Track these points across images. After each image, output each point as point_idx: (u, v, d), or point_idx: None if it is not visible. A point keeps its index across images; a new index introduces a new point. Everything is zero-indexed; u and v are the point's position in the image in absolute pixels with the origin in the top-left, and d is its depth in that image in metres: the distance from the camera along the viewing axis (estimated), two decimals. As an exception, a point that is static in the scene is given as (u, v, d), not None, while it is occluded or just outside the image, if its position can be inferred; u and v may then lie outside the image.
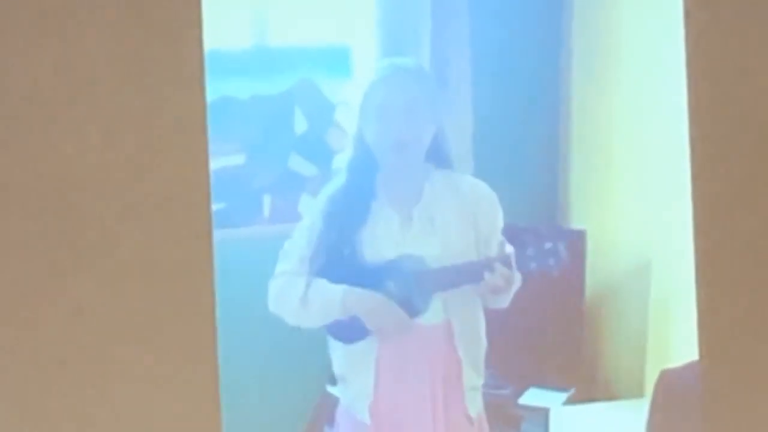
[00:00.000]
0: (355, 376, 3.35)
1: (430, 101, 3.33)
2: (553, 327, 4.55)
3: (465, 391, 3.35)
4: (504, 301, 3.36)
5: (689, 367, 3.81)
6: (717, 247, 2.04)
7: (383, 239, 3.31)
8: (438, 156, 3.37)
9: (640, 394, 4.31)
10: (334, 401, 3.63)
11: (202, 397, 1.99)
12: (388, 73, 3.36)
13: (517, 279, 3.32)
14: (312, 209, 3.43)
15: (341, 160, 3.47)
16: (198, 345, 1.97)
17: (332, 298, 3.27)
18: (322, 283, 3.29)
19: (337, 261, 3.31)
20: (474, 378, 3.36)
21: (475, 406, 3.38)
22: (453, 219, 3.33)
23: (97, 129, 1.91)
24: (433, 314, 3.31)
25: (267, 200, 4.60)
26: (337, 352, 3.38)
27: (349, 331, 3.32)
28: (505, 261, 3.24)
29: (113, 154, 1.91)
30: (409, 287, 3.29)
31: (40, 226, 1.89)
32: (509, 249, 3.31)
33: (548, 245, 3.29)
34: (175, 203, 1.93)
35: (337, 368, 3.40)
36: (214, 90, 4.27)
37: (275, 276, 3.37)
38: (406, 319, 3.27)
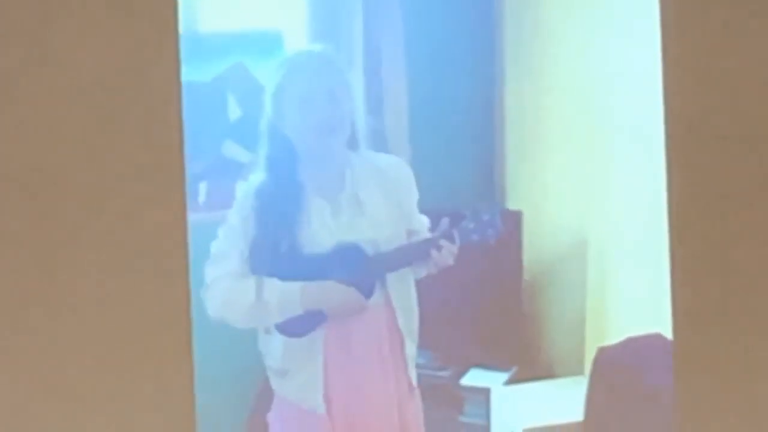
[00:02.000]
0: (301, 369, 3.31)
1: (345, 86, 3.33)
2: (492, 308, 4.57)
3: (408, 362, 3.38)
4: (434, 270, 3.40)
5: (625, 344, 3.85)
6: (691, 230, 2.06)
7: (318, 230, 3.29)
8: (351, 139, 3.36)
9: (580, 372, 4.34)
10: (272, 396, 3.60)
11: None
12: (303, 60, 3.35)
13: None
14: (237, 207, 3.35)
15: (258, 154, 3.41)
16: (169, 330, 1.98)
17: (290, 296, 3.23)
18: (275, 282, 3.25)
19: (277, 258, 3.27)
20: (412, 348, 3.40)
21: (414, 373, 3.43)
22: (379, 199, 3.34)
23: (68, 118, 1.90)
24: (375, 295, 3.33)
25: (202, 187, 4.58)
26: (276, 347, 3.34)
27: (301, 324, 3.30)
28: (449, 237, 3.29)
29: (84, 142, 1.91)
30: (355, 274, 3.29)
31: (11, 219, 1.88)
32: (426, 223, 3.37)
33: (485, 216, 3.33)
34: (150, 188, 1.93)
35: (275, 363, 3.35)
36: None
37: (212, 281, 3.28)
38: (363, 299, 3.28)
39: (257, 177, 3.35)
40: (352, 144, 3.37)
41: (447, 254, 3.29)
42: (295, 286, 3.25)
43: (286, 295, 3.24)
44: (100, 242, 1.92)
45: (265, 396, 4.26)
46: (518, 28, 4.70)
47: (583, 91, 4.30)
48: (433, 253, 3.27)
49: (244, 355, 4.18)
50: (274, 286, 3.24)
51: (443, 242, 3.27)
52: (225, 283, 3.26)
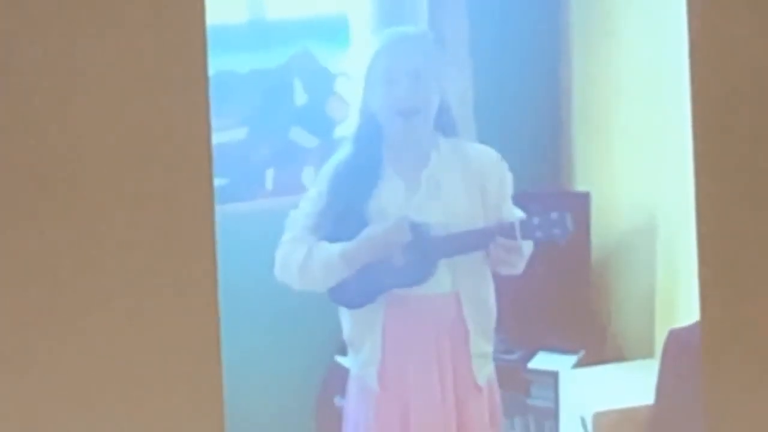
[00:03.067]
0: (363, 342, 3.35)
1: (435, 69, 3.32)
2: (560, 290, 4.55)
3: (472, 359, 3.35)
4: (516, 268, 3.35)
5: (696, 326, 3.81)
6: (719, 212, 2.04)
7: (388, 207, 3.31)
8: (444, 124, 3.36)
9: (649, 355, 4.31)
10: (342, 372, 3.64)
11: (205, 372, 1.99)
12: (393, 40, 3.35)
13: (527, 246, 3.31)
14: (318, 180, 3.43)
15: (346, 130, 3.46)
16: (201, 321, 1.98)
17: (332, 257, 3.27)
18: (323, 245, 3.30)
19: (342, 229, 3.31)
20: (483, 345, 3.36)
21: (484, 373, 3.38)
22: (460, 186, 3.32)
23: (99, 107, 1.90)
24: (441, 284, 3.31)
25: (270, 173, 4.59)
26: (346, 318, 3.39)
27: (353, 295, 3.32)
28: (508, 230, 3.23)
29: (115, 131, 1.91)
30: (413, 253, 3.29)
31: (43, 206, 1.89)
32: (519, 215, 3.31)
33: (554, 215, 3.28)
34: (178, 181, 1.93)
35: (346, 334, 3.41)
36: (213, 65, 4.23)
37: (281, 245, 3.37)
38: (403, 225, 3.26)
39: (342, 152, 3.40)
40: (447, 129, 3.36)
41: (501, 249, 3.23)
42: (336, 248, 3.27)
43: (328, 257, 3.27)
44: (126, 243, 1.93)
45: (334, 378, 4.29)
46: (586, 8, 4.66)
47: (653, 68, 4.25)
48: (491, 247, 3.24)
49: (319, 332, 4.24)
50: (320, 248, 3.28)
51: (498, 237, 3.22)
52: (284, 248, 3.33)
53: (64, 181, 1.90)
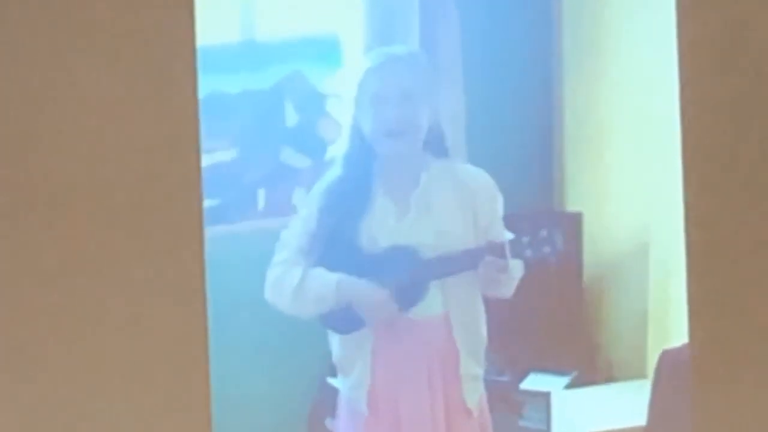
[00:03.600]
0: (353, 365, 3.35)
1: (425, 89, 3.32)
2: (552, 311, 4.54)
3: (463, 381, 3.35)
4: (506, 291, 3.35)
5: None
6: (708, 231, 2.05)
7: (379, 229, 3.31)
8: (435, 145, 3.36)
9: (642, 376, 4.30)
10: (333, 393, 3.63)
11: (194, 393, 1.98)
12: (382, 61, 3.35)
13: (518, 267, 3.30)
14: (309, 200, 3.43)
15: (336, 151, 3.46)
16: (189, 340, 1.97)
17: (327, 287, 3.27)
18: (318, 272, 3.29)
19: (335, 251, 3.31)
20: (473, 367, 3.35)
21: (475, 395, 3.37)
22: (450, 209, 3.32)
23: (89, 127, 1.90)
24: (431, 306, 3.31)
25: (261, 194, 4.59)
26: (335, 341, 3.38)
27: (344, 321, 3.32)
28: (497, 250, 3.23)
29: (105, 151, 1.90)
30: (404, 277, 3.28)
31: (30, 225, 1.88)
32: (509, 236, 3.30)
33: (543, 233, 3.28)
34: (167, 201, 1.92)
35: (336, 358, 3.40)
36: (204, 86, 4.23)
37: (272, 265, 3.36)
38: (395, 311, 3.27)
39: (332, 173, 3.40)
40: (437, 150, 3.35)
41: (491, 269, 3.22)
42: (332, 278, 3.27)
43: (323, 285, 3.26)
44: (115, 263, 1.92)
45: (324, 400, 4.27)
46: (577, 29, 4.67)
47: (643, 89, 4.26)
48: (480, 267, 3.23)
49: (309, 353, 4.23)
50: (315, 276, 3.28)
51: (487, 257, 3.22)
52: (277, 270, 3.32)
53: (53, 200, 1.90)
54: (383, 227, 3.31)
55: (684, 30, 2.05)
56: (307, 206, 3.41)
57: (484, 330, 3.39)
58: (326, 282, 3.28)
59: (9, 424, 1.93)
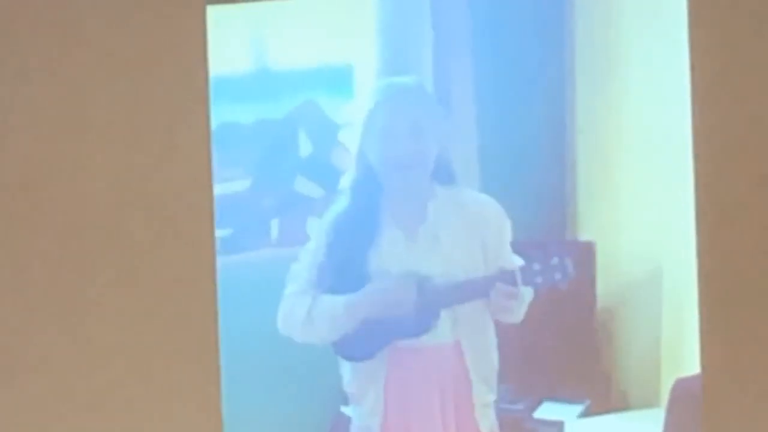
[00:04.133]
0: (365, 395, 3.35)
1: (432, 120, 3.33)
2: (565, 339, 4.53)
3: (475, 409, 3.34)
4: (516, 317, 3.35)
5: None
6: (720, 259, 2.05)
7: (388, 258, 3.31)
8: (442, 174, 3.36)
9: (655, 404, 4.29)
10: (347, 422, 3.62)
11: (206, 423, 1.99)
12: (389, 94, 3.36)
13: (527, 294, 3.31)
14: (317, 232, 3.43)
15: (344, 181, 3.47)
16: (203, 371, 1.98)
17: (336, 309, 3.28)
18: (326, 298, 3.30)
19: (343, 281, 3.32)
20: (485, 395, 3.35)
21: (487, 423, 3.37)
22: (459, 237, 3.32)
23: (103, 158, 1.90)
24: (442, 334, 3.31)
25: (274, 224, 4.59)
26: (346, 370, 3.38)
27: (357, 348, 3.32)
28: (508, 277, 3.24)
29: (119, 183, 1.91)
30: (415, 304, 3.28)
31: (47, 255, 1.89)
32: (519, 262, 3.30)
33: (555, 260, 3.29)
34: (180, 231, 1.93)
35: (347, 387, 3.41)
36: (217, 116, 4.25)
37: (284, 298, 3.38)
38: (407, 299, 3.26)
39: (340, 204, 3.41)
40: (444, 178, 3.36)
41: (501, 296, 3.23)
42: (340, 300, 3.28)
43: (332, 310, 3.27)
44: (129, 293, 1.93)
45: (338, 428, 4.26)
46: (591, 57, 4.67)
47: (658, 119, 4.26)
48: (492, 294, 3.24)
49: (323, 382, 4.23)
50: (324, 300, 3.29)
51: (498, 284, 3.23)
52: (288, 302, 3.33)
53: (68, 227, 1.91)
54: (393, 256, 3.32)
55: (697, 61, 2.06)
56: (315, 237, 3.43)
57: (495, 357, 3.39)
58: (335, 304, 3.30)
59: (23, 425, 1.94)
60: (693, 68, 2.06)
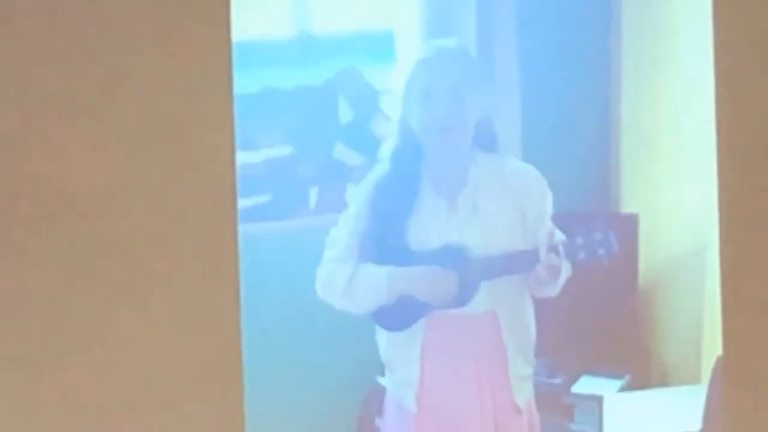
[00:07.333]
0: (400, 364, 3.32)
1: (474, 84, 3.27)
2: (606, 314, 4.49)
3: (512, 380, 3.31)
4: (553, 290, 3.31)
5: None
6: (743, 244, 2.01)
7: (429, 228, 3.28)
8: (484, 140, 3.31)
9: (696, 380, 4.26)
10: (383, 391, 3.60)
11: (228, 394, 1.97)
12: (431, 55, 3.30)
13: (567, 268, 3.26)
14: (357, 197, 3.40)
15: (384, 148, 3.43)
16: (226, 342, 1.95)
17: (378, 280, 3.25)
18: (368, 267, 3.27)
19: (384, 249, 3.29)
20: (522, 367, 3.31)
21: (524, 394, 3.33)
22: (498, 206, 3.27)
23: (125, 130, 1.88)
24: (478, 303, 3.27)
25: (313, 191, 4.57)
26: (383, 340, 3.36)
27: (395, 318, 3.30)
28: (553, 251, 3.18)
29: (141, 156, 1.89)
30: (455, 276, 3.25)
31: (70, 233, 1.87)
32: (559, 237, 3.25)
33: (598, 235, 3.22)
34: (203, 201, 1.91)
35: (383, 356, 3.39)
36: (258, 80, 4.23)
37: (322, 263, 3.35)
38: (452, 284, 3.23)
39: (381, 168, 3.37)
40: (486, 144, 3.31)
41: (545, 270, 3.18)
42: (383, 271, 3.25)
43: (374, 280, 3.25)
44: (151, 273, 1.91)
45: (374, 398, 4.25)
46: (636, 27, 4.62)
47: (705, 90, 4.20)
48: (537, 269, 3.19)
49: (361, 351, 4.22)
50: (365, 271, 3.26)
51: (544, 257, 3.17)
52: (328, 267, 3.31)
53: (92, 192, 1.88)
54: (433, 226, 3.28)
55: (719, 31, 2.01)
56: (355, 203, 3.39)
57: (533, 329, 3.35)
58: (376, 275, 3.26)
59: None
60: (717, 38, 2.01)
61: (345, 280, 3.29)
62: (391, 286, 3.24)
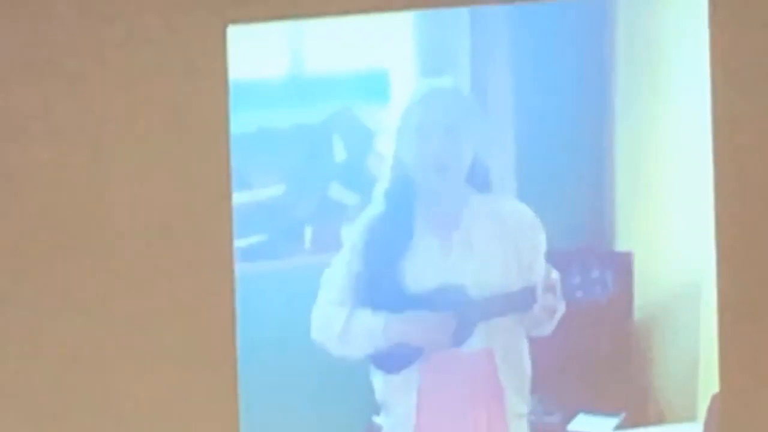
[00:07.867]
0: (397, 405, 3.33)
1: (469, 122, 3.29)
2: (601, 351, 4.49)
3: (508, 418, 3.31)
4: (548, 329, 3.32)
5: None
6: (740, 281, 2.02)
7: (424, 268, 3.29)
8: (477, 179, 3.33)
9: (692, 418, 4.25)
10: (379, 431, 3.60)
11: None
12: (425, 94, 3.33)
13: (561, 307, 3.27)
14: (351, 238, 3.41)
15: (379, 187, 3.44)
16: (223, 387, 1.96)
17: (374, 329, 3.25)
18: (364, 315, 3.27)
19: (379, 292, 3.29)
20: (518, 405, 3.32)
21: (519, 432, 3.34)
22: (492, 245, 3.29)
23: (123, 165, 1.89)
24: (474, 342, 3.27)
25: (308, 231, 4.57)
26: (379, 381, 3.36)
27: (391, 361, 3.30)
28: (550, 290, 3.20)
29: (139, 190, 1.89)
30: (453, 316, 3.26)
31: (65, 261, 1.87)
32: (554, 275, 3.26)
33: (595, 273, 3.24)
34: (199, 238, 1.91)
35: (379, 397, 3.38)
36: (253, 121, 4.24)
37: (317, 305, 3.35)
38: (447, 332, 3.24)
39: (375, 209, 3.38)
40: (480, 184, 3.33)
41: (541, 309, 3.20)
42: (379, 321, 3.26)
43: (370, 327, 3.25)
44: (151, 303, 1.92)
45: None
46: (631, 65, 4.64)
47: (698, 126, 4.23)
48: (535, 306, 3.21)
49: (357, 391, 4.21)
50: (361, 317, 3.27)
51: (541, 297, 3.19)
52: (323, 310, 3.31)
53: (92, 224, 1.89)
54: (428, 266, 3.29)
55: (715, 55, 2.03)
56: (349, 244, 3.39)
57: (528, 366, 3.36)
58: (373, 324, 3.27)
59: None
60: (713, 73, 2.03)
61: (340, 326, 3.30)
62: (387, 335, 3.25)
